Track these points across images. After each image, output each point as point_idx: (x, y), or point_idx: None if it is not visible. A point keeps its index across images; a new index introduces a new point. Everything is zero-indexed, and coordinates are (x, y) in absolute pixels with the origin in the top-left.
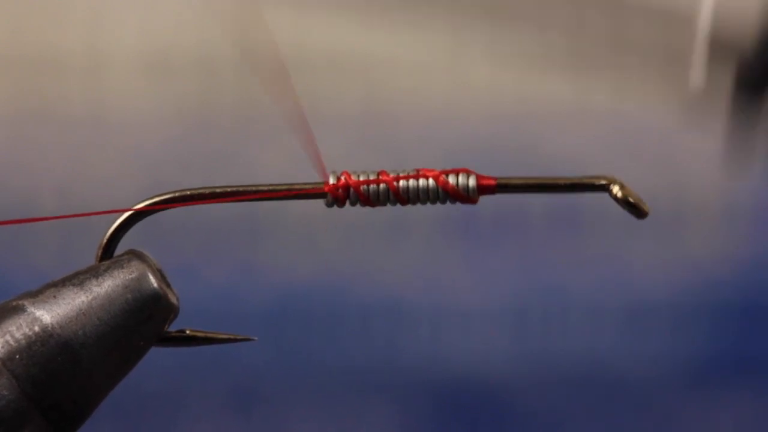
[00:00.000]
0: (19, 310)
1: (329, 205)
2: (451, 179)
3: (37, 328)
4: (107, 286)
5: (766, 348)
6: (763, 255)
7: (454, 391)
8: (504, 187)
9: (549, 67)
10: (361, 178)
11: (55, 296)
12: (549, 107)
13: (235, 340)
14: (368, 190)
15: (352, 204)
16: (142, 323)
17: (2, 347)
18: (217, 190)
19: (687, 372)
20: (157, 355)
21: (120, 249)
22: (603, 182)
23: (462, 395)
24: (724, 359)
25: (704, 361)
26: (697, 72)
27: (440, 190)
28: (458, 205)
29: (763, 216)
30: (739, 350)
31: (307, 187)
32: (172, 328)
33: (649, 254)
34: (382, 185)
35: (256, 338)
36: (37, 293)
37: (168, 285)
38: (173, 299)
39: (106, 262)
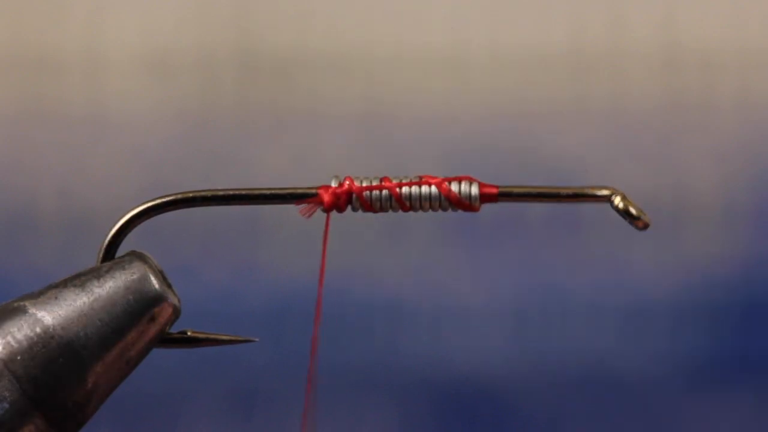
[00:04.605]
0: (20, 311)
1: (327, 210)
2: (454, 186)
3: (38, 330)
4: (109, 287)
5: (766, 348)
6: (763, 255)
7: (454, 391)
8: (506, 196)
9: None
10: (364, 184)
11: (56, 297)
12: (549, 107)
13: (237, 341)
14: (371, 196)
15: (354, 210)
16: (144, 324)
17: (3, 348)
18: (219, 194)
19: (687, 372)
20: (156, 356)
21: (122, 250)
22: (605, 193)
23: (462, 395)
24: (724, 359)
25: (704, 361)
26: None
27: (442, 197)
28: None
29: (763, 216)
30: (739, 350)
31: (306, 192)
32: (174, 329)
33: (649, 254)
34: (384, 191)
35: (257, 339)
36: (39, 294)
37: (169, 286)
38: (174, 300)
39: (108, 264)
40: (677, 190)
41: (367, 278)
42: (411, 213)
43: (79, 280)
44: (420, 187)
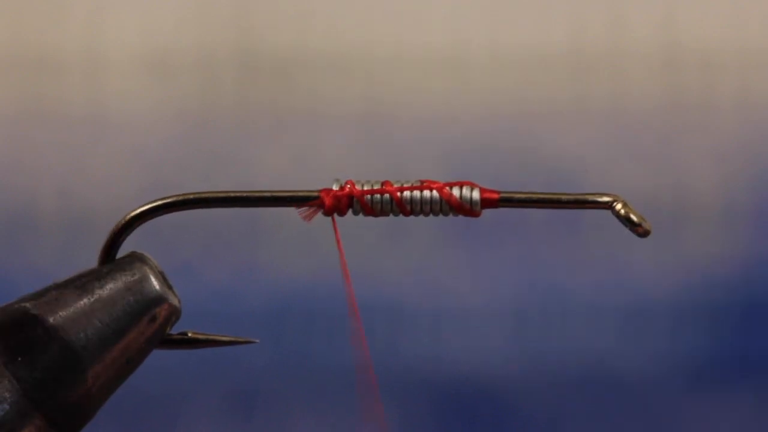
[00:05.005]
0: (21, 312)
1: (328, 214)
2: (455, 191)
3: (39, 330)
4: (109, 288)
5: (766, 348)
6: (763, 255)
7: (454, 391)
8: (507, 201)
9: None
10: (365, 188)
11: (57, 298)
12: (549, 107)
13: (237, 343)
14: (372, 200)
15: (355, 213)
16: (144, 325)
17: (4, 349)
18: (220, 196)
19: (687, 372)
20: (157, 356)
21: (122, 251)
22: (606, 199)
23: (462, 395)
24: (724, 359)
25: (704, 361)
26: None
27: (443, 202)
28: None
29: (763, 216)
30: (739, 350)
31: (307, 195)
32: (174, 329)
33: (649, 254)
34: (385, 195)
35: (257, 340)
36: (40, 295)
37: (170, 287)
38: (175, 301)
39: (108, 265)
40: (677, 190)
41: (368, 278)
42: None
43: (79, 281)
44: (421, 191)
